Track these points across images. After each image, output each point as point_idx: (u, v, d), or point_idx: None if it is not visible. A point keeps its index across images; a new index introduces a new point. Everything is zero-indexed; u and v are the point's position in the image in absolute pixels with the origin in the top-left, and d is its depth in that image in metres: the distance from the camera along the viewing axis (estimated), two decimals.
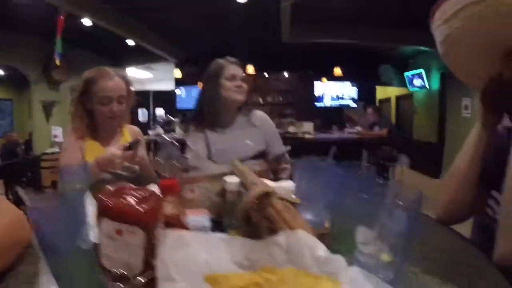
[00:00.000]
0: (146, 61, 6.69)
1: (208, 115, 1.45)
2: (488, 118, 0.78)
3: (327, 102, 7.02)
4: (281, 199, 0.60)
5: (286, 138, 4.45)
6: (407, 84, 7.05)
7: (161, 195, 0.59)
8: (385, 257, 0.50)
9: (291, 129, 5.19)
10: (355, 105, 6.91)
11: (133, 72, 6.79)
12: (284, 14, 4.52)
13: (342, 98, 7.07)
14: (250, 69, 5.95)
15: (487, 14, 0.60)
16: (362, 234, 0.53)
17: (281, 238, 0.55)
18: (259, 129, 1.52)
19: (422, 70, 6.14)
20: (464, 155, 0.84)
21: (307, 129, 5.13)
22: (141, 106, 6.53)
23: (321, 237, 0.57)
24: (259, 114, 1.58)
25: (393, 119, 7.95)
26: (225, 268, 0.51)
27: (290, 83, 6.88)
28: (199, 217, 0.70)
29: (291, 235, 0.54)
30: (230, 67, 1.44)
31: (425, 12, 0.74)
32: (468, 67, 0.77)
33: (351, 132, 5.45)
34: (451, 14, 0.64)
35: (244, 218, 0.59)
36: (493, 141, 0.79)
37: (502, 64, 0.68)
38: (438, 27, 0.70)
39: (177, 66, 6.80)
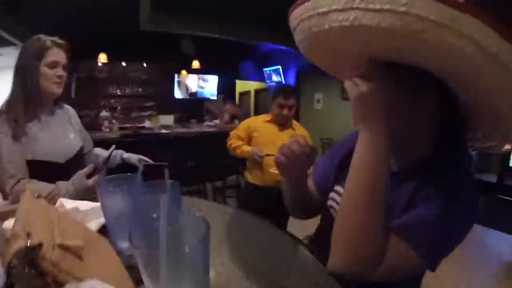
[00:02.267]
0: None
1: (25, 106, 1.16)
2: None
3: (187, 95, 6.89)
4: (61, 246, 0.45)
5: (140, 135, 4.18)
6: (265, 79, 7.84)
7: None
8: None
9: (147, 123, 4.89)
10: (215, 98, 7.03)
11: None
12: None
13: (202, 92, 7.06)
14: (103, 57, 5.36)
15: (319, 31, 0.58)
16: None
17: None
18: (75, 123, 1.38)
19: (279, 67, 6.88)
20: None
21: (166, 122, 4.86)
22: None
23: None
24: (69, 108, 1.41)
25: (252, 110, 8.78)
26: None
27: (150, 75, 6.46)
28: None
29: None
30: (54, 52, 1.20)
31: (284, 12, 0.70)
32: (331, 68, 0.76)
33: (210, 125, 5.49)
34: (296, 25, 0.64)
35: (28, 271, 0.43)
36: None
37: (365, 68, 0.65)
38: (293, 31, 0.69)
39: None
